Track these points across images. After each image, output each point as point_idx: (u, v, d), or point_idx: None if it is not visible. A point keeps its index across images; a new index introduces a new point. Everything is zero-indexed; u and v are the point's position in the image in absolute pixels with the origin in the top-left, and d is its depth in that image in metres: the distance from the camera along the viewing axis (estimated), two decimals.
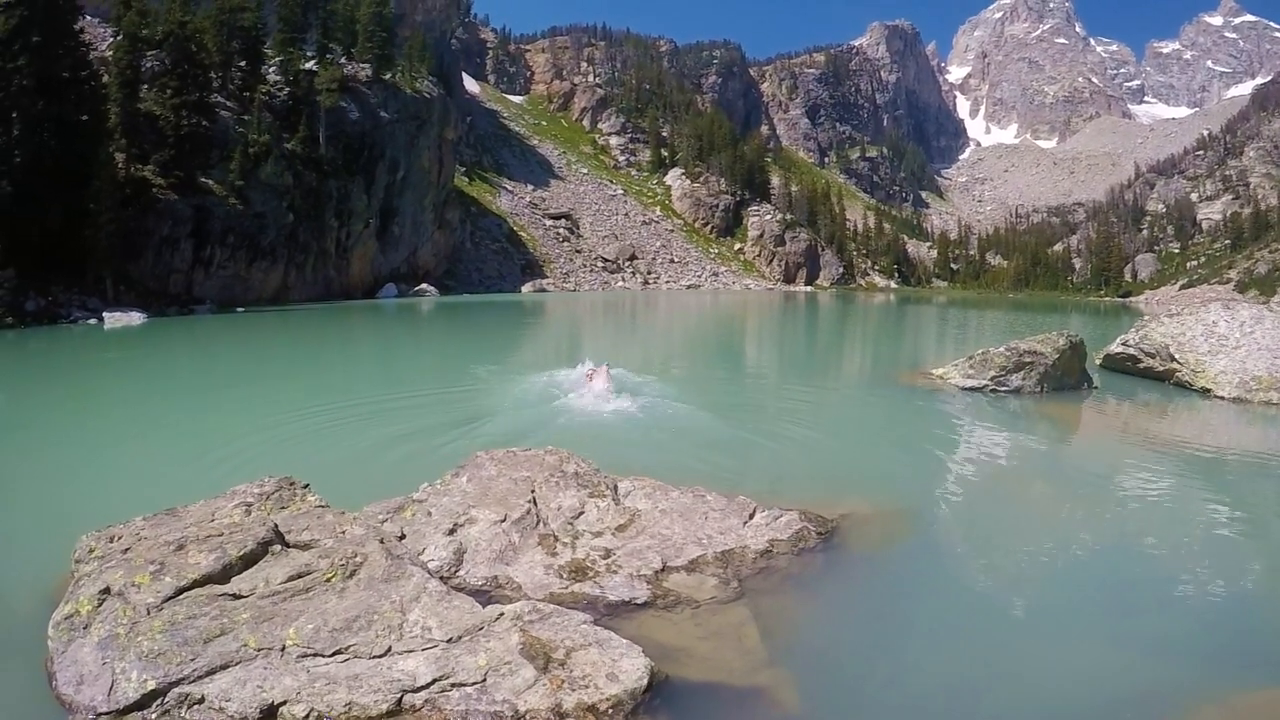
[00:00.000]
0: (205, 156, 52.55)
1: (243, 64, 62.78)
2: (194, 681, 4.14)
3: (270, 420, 13.68)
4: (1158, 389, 19.49)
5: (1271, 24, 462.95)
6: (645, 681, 4.44)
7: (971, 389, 17.68)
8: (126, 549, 5.35)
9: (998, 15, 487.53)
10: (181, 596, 4.75)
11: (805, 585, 6.65)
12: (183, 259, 49.78)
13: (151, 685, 4.08)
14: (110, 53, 51.39)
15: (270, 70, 66.81)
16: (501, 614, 4.92)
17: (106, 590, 4.78)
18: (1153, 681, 5.37)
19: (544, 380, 18.18)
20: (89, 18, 53.97)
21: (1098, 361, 22.18)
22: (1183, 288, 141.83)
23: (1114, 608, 6.70)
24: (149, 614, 4.55)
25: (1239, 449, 12.82)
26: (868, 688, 5.24)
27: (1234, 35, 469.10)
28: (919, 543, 8.18)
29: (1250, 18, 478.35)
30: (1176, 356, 19.81)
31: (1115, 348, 22.27)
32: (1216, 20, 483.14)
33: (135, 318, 37.73)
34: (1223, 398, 17.93)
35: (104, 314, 37.24)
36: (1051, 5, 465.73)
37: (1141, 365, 21.08)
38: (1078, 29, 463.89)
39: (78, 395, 16.30)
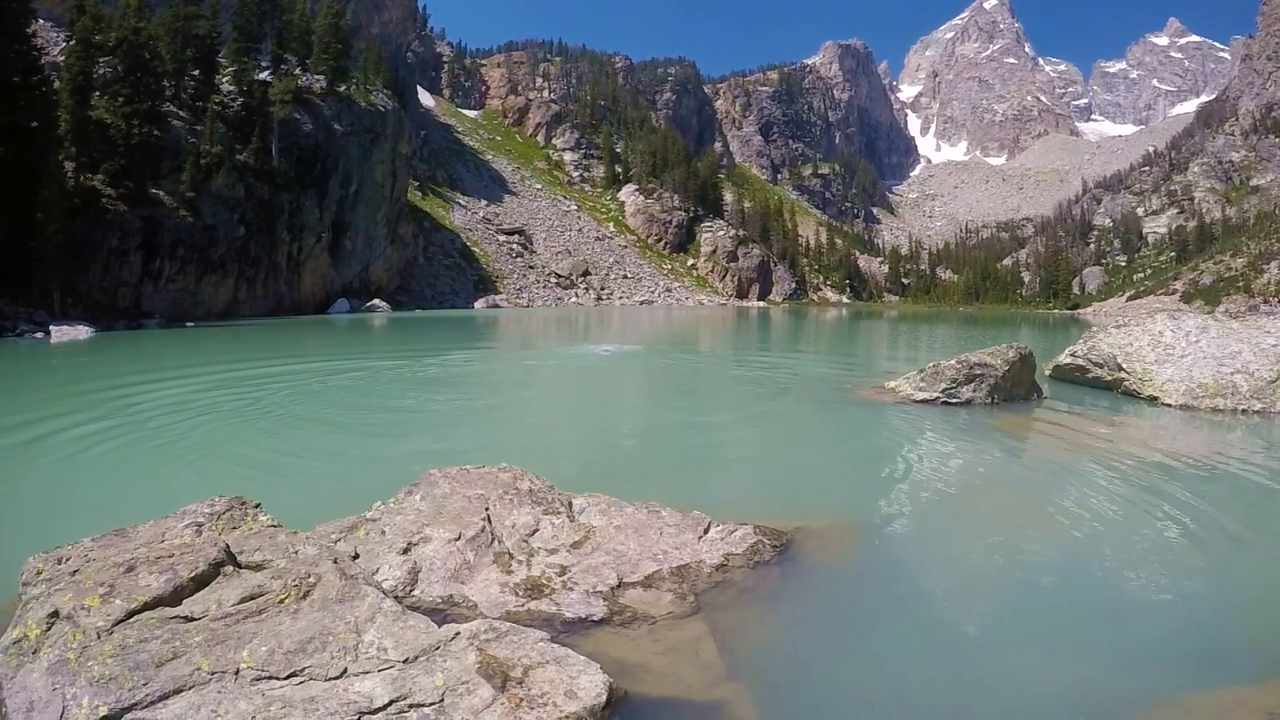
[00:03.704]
0: (156, 167, 51.98)
1: (196, 73, 62.22)
2: (147, 707, 4.07)
3: (219, 438, 13.51)
4: (1106, 398, 19.83)
5: (1216, 44, 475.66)
6: (604, 698, 4.44)
7: (923, 401, 17.85)
8: (75, 571, 5.26)
9: (949, 35, 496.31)
10: (132, 619, 4.68)
11: (761, 599, 6.68)
12: (131, 272, 49.11)
13: (104, 711, 4.01)
14: (62, 58, 50.62)
15: (224, 80, 66.21)
16: (458, 633, 4.90)
17: (55, 614, 4.69)
18: (1109, 687, 5.45)
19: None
20: (41, 21, 53.15)
21: (1047, 372, 22.50)
22: (1129, 299, 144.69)
23: (1068, 615, 6.79)
24: (99, 638, 4.48)
25: (1187, 454, 13.06)
26: (826, 700, 5.27)
27: (1179, 55, 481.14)
28: (874, 554, 8.24)
29: (1195, 38, 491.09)
30: (1124, 366, 20.18)
31: (1064, 358, 22.63)
32: (1162, 41, 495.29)
33: (82, 331, 37.09)
34: (1170, 405, 18.29)
35: (50, 327, 36.56)
36: (1001, 26, 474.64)
37: (1090, 375, 21.44)
38: (1027, 49, 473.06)
39: (21, 412, 15.98)
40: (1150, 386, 19.22)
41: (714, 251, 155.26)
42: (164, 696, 4.15)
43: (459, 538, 7.02)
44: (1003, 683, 5.62)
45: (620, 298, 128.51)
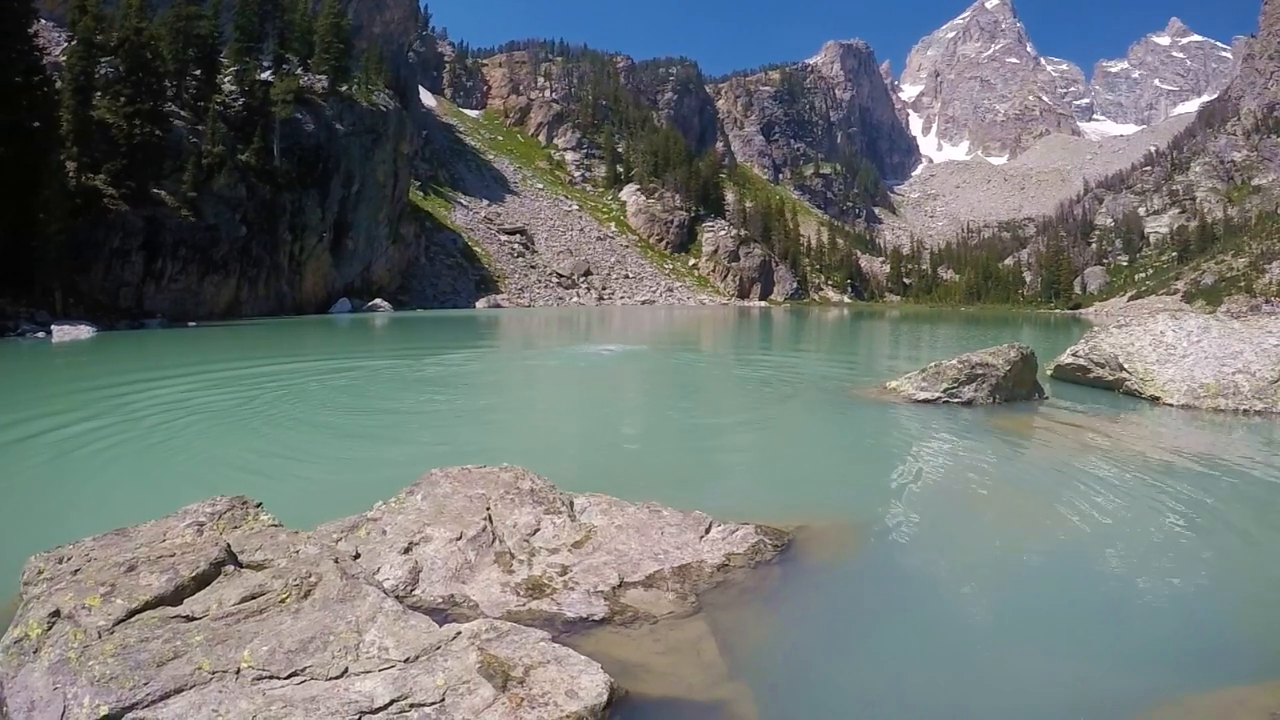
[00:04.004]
0: (158, 167, 51.95)
1: (198, 73, 62.20)
2: (148, 706, 4.08)
3: (220, 437, 13.52)
4: (1107, 398, 19.80)
5: (1218, 44, 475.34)
6: (605, 698, 4.44)
7: (925, 401, 17.84)
8: (76, 570, 5.26)
9: (950, 35, 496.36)
10: (133, 619, 4.68)
11: (763, 598, 6.67)
12: (133, 272, 49.10)
13: (104, 711, 4.02)
14: (64, 58, 50.61)
15: (225, 80, 66.19)
16: (459, 633, 4.90)
17: (56, 613, 4.70)
18: (1109, 687, 5.44)
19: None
20: (43, 21, 53.14)
21: (1049, 372, 22.49)
22: (1131, 299, 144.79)
23: (1068, 615, 6.78)
24: (100, 637, 4.48)
25: (1188, 454, 13.04)
26: (827, 700, 5.27)
27: (1181, 55, 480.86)
28: (875, 554, 8.23)
29: (1197, 38, 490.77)
30: (1125, 366, 20.16)
31: (1065, 358, 22.62)
32: (1164, 40, 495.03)
33: (84, 331, 37.09)
34: (1171, 405, 18.27)
35: (53, 327, 36.57)
36: (1003, 26, 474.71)
37: (1091, 375, 21.42)
38: (1028, 49, 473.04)
39: (22, 411, 15.98)
40: (1152, 386, 19.21)
41: (715, 251, 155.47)
42: (165, 696, 4.16)
43: (460, 537, 7.02)
44: (1003, 683, 5.62)
45: (622, 297, 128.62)
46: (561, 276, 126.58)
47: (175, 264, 51.95)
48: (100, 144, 48.66)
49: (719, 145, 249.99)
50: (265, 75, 70.67)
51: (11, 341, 33.19)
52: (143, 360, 28.34)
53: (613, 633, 5.85)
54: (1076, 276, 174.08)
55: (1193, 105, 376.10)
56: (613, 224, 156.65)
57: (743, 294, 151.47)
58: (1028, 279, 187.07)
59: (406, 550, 6.82)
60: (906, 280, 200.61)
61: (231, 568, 5.40)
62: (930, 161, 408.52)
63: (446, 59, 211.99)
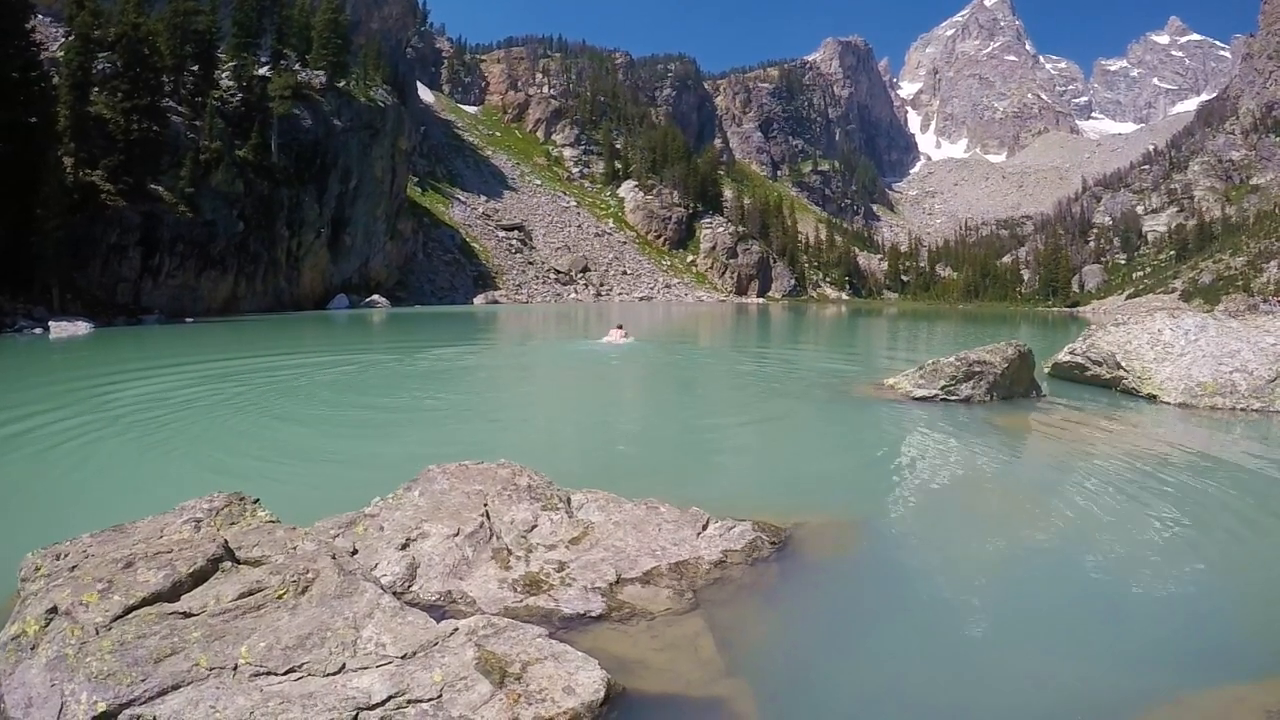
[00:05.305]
0: (155, 163, 51.78)
1: (195, 68, 62.04)
2: (145, 703, 4.07)
3: (218, 433, 13.49)
4: (1105, 396, 19.80)
5: (1217, 43, 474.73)
6: (602, 694, 4.44)
7: (922, 398, 17.83)
8: (73, 567, 5.25)
9: (949, 33, 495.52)
10: (130, 615, 4.67)
11: (760, 595, 6.67)
12: (131, 268, 48.98)
13: (102, 707, 4.01)
14: (61, 54, 50.47)
15: (223, 76, 66.02)
16: (456, 629, 4.90)
17: (54, 609, 4.69)
18: (1109, 686, 5.44)
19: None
20: (40, 17, 52.99)
21: (1046, 370, 22.49)
22: (1129, 298, 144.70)
23: (1068, 614, 6.78)
24: (98, 634, 4.47)
25: (1186, 453, 13.04)
26: (825, 697, 5.27)
27: (1180, 54, 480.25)
28: (872, 551, 8.23)
29: (1196, 36, 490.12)
30: (1123, 364, 20.15)
31: (1063, 356, 22.62)
32: (1163, 39, 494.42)
33: (82, 328, 37.05)
34: (1169, 403, 18.28)
35: (50, 324, 36.50)
36: (1002, 23, 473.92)
37: (1089, 373, 21.42)
38: (1027, 47, 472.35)
39: (19, 408, 15.95)
40: (1149, 385, 19.21)
41: (713, 248, 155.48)
42: (162, 692, 4.15)
43: (457, 534, 7.01)
44: (1001, 679, 5.61)
45: (620, 294, 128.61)
46: (559, 273, 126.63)
47: (173, 260, 51.88)
48: (98, 140, 48.55)
49: (717, 142, 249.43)
50: (263, 71, 70.60)
51: (9, 338, 33.13)
52: (141, 356, 28.30)
53: (610, 629, 5.85)
54: (1074, 275, 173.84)
55: (1191, 104, 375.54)
56: (611, 220, 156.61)
57: (740, 291, 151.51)
58: (1025, 277, 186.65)
59: (404, 546, 6.81)
60: (904, 278, 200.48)
61: (229, 564, 5.39)
62: (928, 159, 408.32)
63: (445, 55, 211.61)
